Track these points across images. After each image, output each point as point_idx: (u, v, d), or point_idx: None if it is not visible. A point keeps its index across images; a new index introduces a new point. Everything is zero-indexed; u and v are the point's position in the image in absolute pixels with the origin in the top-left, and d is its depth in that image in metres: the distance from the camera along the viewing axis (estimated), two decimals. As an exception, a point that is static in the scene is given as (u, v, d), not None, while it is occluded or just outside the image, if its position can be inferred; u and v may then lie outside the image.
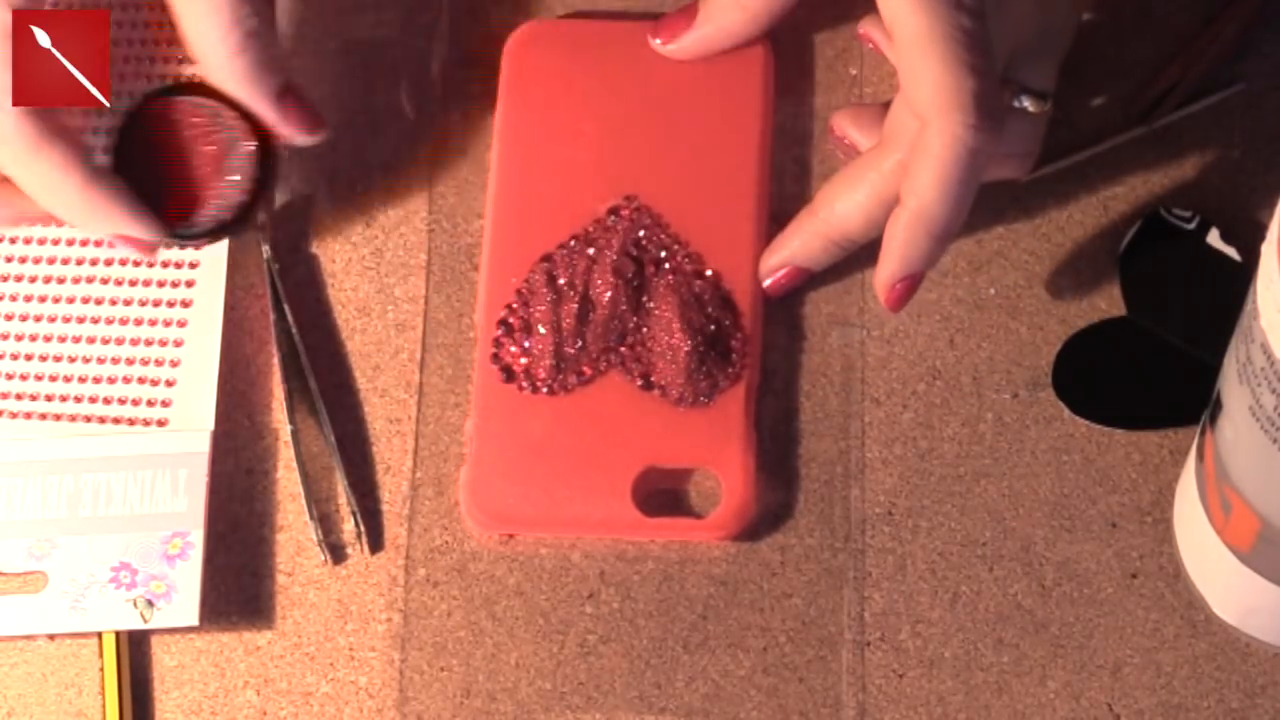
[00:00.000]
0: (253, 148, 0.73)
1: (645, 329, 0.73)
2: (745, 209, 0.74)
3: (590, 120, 0.76)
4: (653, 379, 0.72)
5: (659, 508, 0.71)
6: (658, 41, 0.76)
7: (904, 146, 0.69)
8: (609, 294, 0.73)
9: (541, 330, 0.72)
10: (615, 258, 0.73)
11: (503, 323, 0.73)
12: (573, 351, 0.72)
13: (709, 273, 0.73)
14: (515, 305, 0.73)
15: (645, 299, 0.73)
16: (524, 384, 0.72)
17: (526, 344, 0.72)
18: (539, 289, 0.73)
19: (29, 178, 0.70)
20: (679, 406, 0.72)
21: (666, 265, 0.73)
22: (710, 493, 0.71)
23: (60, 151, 0.69)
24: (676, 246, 0.74)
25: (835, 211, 0.72)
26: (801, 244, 0.73)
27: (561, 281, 0.73)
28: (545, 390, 0.72)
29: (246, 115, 0.73)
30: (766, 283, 0.73)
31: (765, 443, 0.72)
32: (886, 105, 0.72)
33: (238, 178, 0.74)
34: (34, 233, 0.75)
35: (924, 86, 0.67)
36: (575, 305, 0.73)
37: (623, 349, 0.72)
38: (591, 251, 0.73)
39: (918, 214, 0.67)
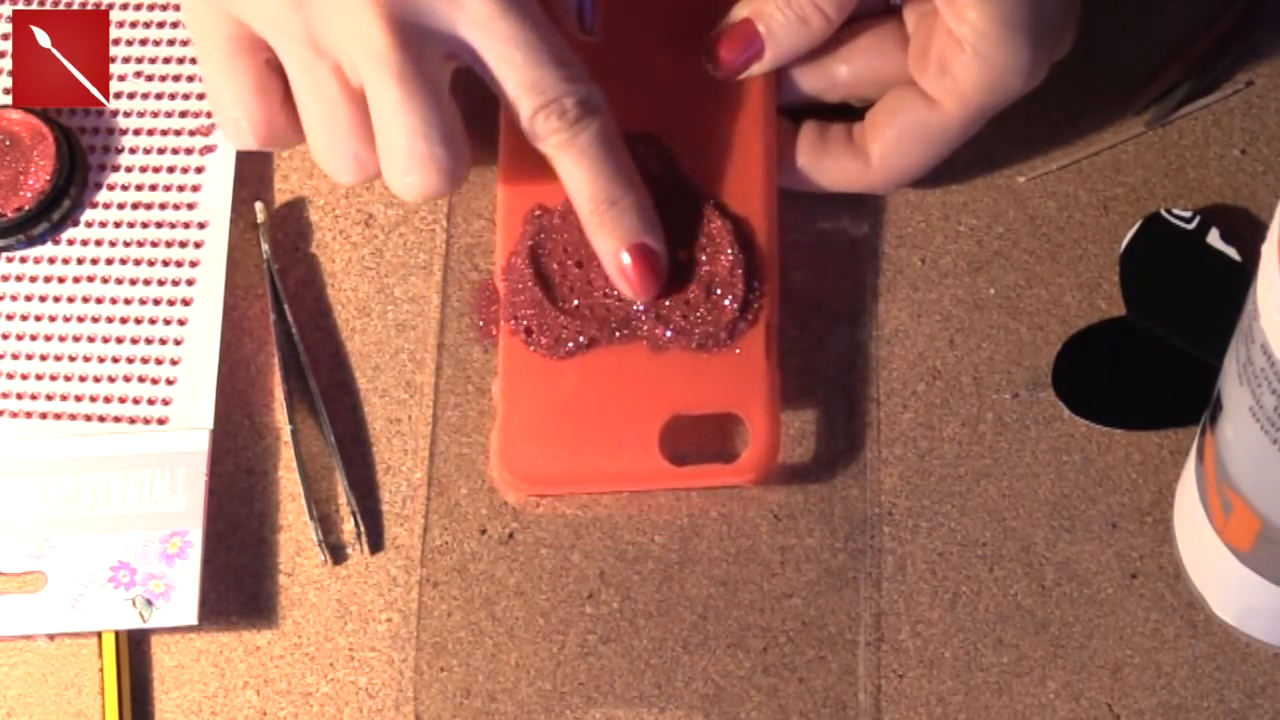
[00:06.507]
0: (50, 139, 0.76)
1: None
2: (755, 150, 0.73)
3: (605, 76, 0.72)
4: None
5: (687, 460, 0.70)
6: (713, 66, 0.73)
7: None
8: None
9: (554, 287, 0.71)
10: None
11: (517, 283, 0.72)
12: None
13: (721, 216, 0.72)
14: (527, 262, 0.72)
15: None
16: (543, 341, 0.71)
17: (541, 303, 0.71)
18: (546, 244, 0.72)
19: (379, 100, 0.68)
20: (700, 353, 0.71)
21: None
22: (740, 441, 0.71)
23: (412, 88, 0.67)
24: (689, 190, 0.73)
25: None
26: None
27: (567, 236, 0.72)
28: (568, 347, 0.71)
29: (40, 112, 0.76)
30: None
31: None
32: None
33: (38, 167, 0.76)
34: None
35: None
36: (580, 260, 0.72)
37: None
38: None
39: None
